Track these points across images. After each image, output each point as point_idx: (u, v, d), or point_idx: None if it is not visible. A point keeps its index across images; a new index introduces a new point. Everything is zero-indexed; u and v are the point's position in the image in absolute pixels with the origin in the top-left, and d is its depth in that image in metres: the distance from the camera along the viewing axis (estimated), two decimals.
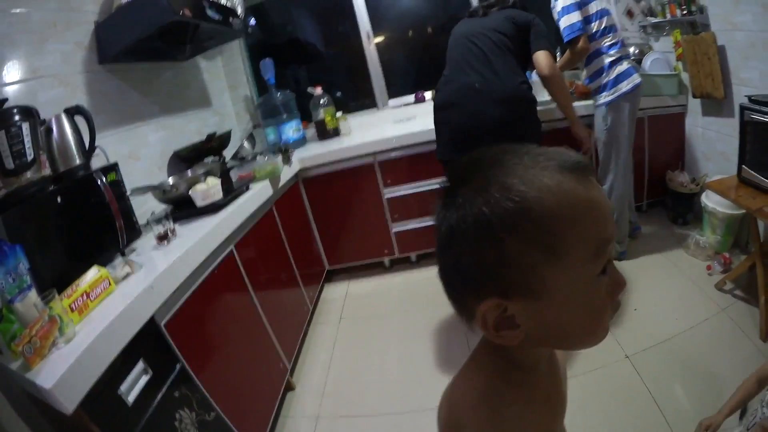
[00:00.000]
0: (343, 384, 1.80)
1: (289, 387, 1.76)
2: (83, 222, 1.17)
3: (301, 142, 2.67)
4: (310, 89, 2.66)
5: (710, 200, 2.03)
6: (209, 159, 1.91)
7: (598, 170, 2.07)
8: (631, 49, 2.44)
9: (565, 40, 1.88)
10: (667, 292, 1.90)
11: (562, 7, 1.85)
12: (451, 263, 0.42)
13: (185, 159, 1.93)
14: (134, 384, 0.97)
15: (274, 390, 1.62)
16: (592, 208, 0.37)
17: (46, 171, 1.15)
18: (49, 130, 1.22)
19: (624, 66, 1.91)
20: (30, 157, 1.09)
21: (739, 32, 1.85)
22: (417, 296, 2.28)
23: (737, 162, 1.70)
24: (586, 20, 1.87)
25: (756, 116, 1.54)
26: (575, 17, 1.83)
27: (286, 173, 2.08)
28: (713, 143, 2.25)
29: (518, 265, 0.37)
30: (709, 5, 2.00)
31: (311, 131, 2.76)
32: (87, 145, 1.31)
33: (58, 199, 1.12)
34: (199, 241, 1.28)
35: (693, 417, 1.13)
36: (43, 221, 1.07)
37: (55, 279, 0.99)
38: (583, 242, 0.37)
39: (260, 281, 1.64)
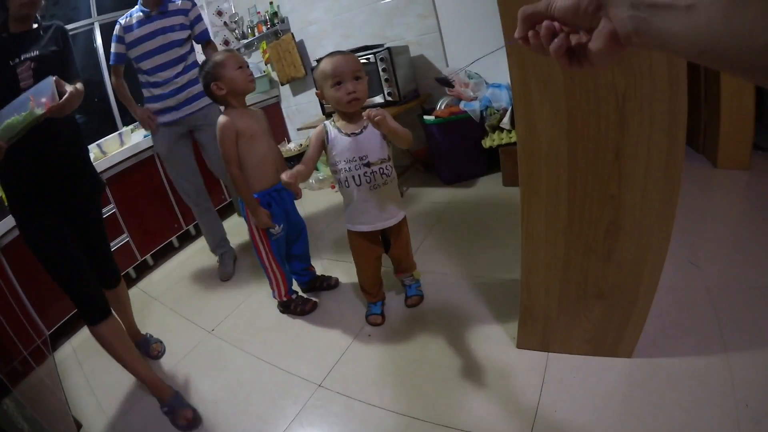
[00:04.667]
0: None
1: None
2: None
3: None
4: None
5: None
6: None
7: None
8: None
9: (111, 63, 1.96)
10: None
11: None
12: (204, 84, 1.45)
13: None
14: None
15: None
16: (231, 61, 1.43)
17: None
18: None
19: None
20: None
21: (313, 26, 2.83)
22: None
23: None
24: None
25: None
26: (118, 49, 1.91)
27: None
28: (307, 111, 3.26)
29: (217, 75, 1.41)
30: (289, 14, 2.91)
31: None
32: None
33: None
34: None
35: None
36: None
37: None
38: (234, 65, 1.43)
39: None
